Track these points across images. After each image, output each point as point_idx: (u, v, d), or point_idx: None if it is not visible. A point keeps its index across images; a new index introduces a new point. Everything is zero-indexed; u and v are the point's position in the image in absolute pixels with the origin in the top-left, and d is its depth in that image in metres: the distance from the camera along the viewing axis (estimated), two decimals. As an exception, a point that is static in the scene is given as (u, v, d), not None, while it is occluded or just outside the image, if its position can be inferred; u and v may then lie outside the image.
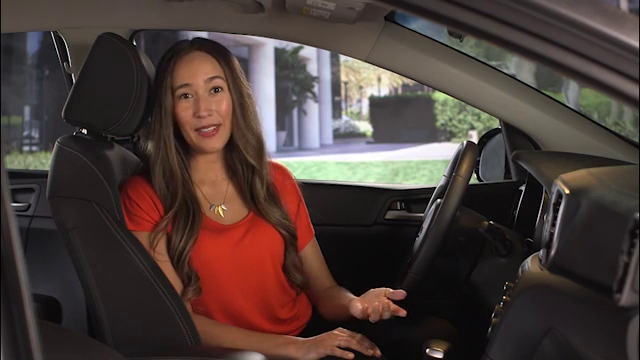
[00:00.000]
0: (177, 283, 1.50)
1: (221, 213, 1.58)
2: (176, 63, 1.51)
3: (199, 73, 1.51)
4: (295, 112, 18.33)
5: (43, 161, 12.23)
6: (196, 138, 1.52)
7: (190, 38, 1.59)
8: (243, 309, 1.56)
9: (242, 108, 1.54)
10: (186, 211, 1.52)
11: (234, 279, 1.55)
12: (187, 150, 1.56)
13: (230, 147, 1.57)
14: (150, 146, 1.55)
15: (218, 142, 1.52)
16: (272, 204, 1.60)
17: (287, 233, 1.61)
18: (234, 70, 1.55)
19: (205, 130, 1.51)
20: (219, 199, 1.60)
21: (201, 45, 1.54)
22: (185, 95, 1.51)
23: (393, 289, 1.70)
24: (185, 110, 1.51)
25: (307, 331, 1.63)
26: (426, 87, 15.51)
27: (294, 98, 18.17)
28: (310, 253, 1.70)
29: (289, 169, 1.74)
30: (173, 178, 1.52)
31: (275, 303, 1.60)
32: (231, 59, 1.56)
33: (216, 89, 1.52)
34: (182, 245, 1.49)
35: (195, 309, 1.54)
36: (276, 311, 1.60)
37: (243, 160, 1.57)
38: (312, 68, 18.22)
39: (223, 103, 1.52)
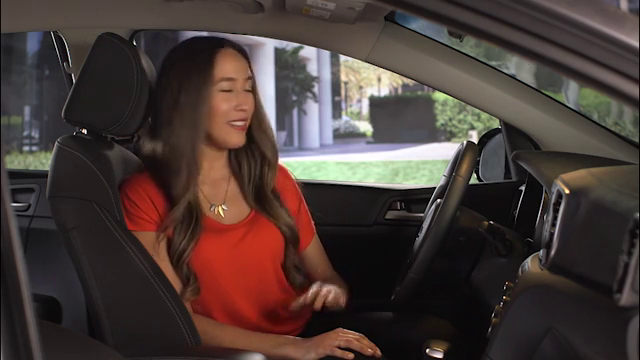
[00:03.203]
0: (177, 283, 1.50)
1: (221, 213, 1.59)
2: (219, 56, 1.53)
3: (241, 70, 1.55)
4: (295, 112, 18.33)
5: (43, 161, 12.23)
6: (226, 130, 1.53)
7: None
8: (243, 308, 1.56)
9: (262, 108, 1.61)
10: (189, 212, 1.52)
11: (234, 279, 1.55)
12: None
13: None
14: (172, 140, 1.51)
15: (244, 138, 1.57)
16: (277, 202, 1.62)
17: (289, 231, 1.61)
18: (254, 75, 1.61)
19: (238, 123, 1.54)
20: (219, 199, 1.60)
21: (235, 45, 1.58)
22: (227, 88, 1.53)
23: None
24: (227, 102, 1.52)
25: (307, 331, 1.63)
26: (426, 87, 15.51)
27: (294, 98, 18.17)
28: (312, 252, 1.71)
29: (289, 169, 1.74)
30: (193, 171, 1.52)
31: (275, 303, 1.60)
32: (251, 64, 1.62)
33: (247, 89, 1.57)
34: (183, 246, 1.49)
35: (195, 309, 1.54)
36: (276, 310, 1.60)
37: (260, 154, 1.61)
38: (312, 68, 18.22)
39: (252, 103, 1.57)
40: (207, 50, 1.53)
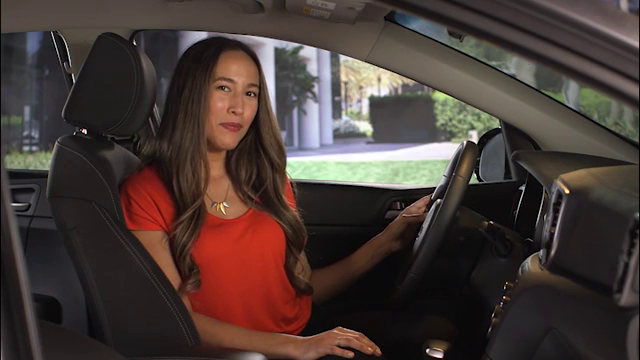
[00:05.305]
0: (178, 282, 1.50)
1: (223, 210, 1.59)
2: (224, 54, 1.54)
3: (245, 74, 1.55)
4: (295, 112, 18.32)
5: (43, 161, 12.23)
6: (217, 130, 1.54)
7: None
8: (246, 307, 1.56)
9: (269, 114, 1.61)
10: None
11: (237, 275, 1.55)
12: None
13: (238, 149, 1.61)
14: (176, 137, 1.52)
15: (235, 140, 1.56)
16: (282, 206, 1.63)
17: (294, 234, 1.62)
18: (264, 82, 1.61)
19: (230, 126, 1.54)
20: (221, 197, 1.61)
21: (247, 49, 1.59)
22: (223, 87, 1.54)
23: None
24: (221, 101, 1.53)
25: (307, 331, 1.63)
26: (426, 87, 15.49)
27: (294, 98, 18.16)
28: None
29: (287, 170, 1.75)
30: (200, 166, 1.53)
31: (278, 300, 1.60)
32: (262, 71, 1.62)
33: (249, 93, 1.57)
34: (185, 240, 1.50)
35: (197, 307, 1.53)
36: (280, 308, 1.60)
37: (268, 161, 1.61)
38: (312, 68, 18.21)
39: (251, 109, 1.57)
40: (214, 48, 1.55)
